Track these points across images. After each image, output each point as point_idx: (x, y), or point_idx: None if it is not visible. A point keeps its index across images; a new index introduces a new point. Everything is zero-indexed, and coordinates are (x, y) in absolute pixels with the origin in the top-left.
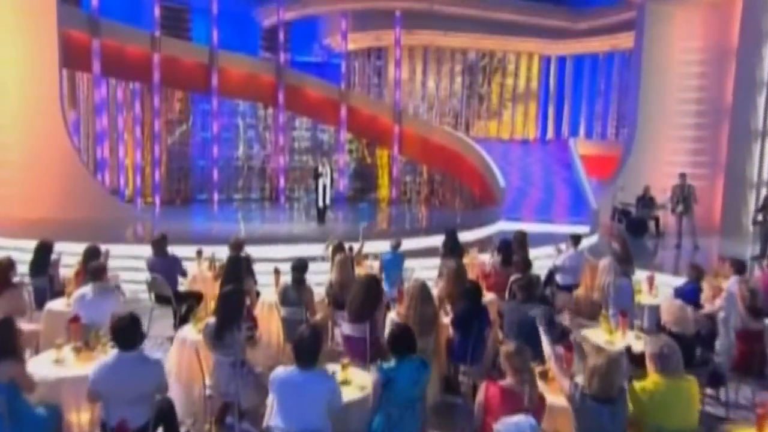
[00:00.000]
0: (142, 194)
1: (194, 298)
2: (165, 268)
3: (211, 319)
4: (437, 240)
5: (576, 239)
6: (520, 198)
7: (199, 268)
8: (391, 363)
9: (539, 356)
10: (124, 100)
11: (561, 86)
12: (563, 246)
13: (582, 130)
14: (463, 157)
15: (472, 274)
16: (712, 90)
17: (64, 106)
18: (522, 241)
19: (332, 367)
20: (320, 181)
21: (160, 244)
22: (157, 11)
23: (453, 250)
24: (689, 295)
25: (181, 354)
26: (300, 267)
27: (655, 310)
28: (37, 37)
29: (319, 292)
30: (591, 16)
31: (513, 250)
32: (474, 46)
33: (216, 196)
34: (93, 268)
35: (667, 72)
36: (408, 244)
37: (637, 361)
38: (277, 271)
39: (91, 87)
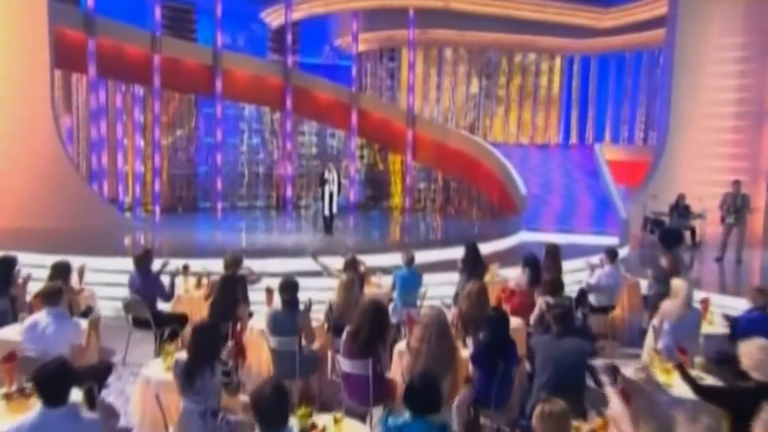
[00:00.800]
0: (142, 203)
1: (178, 322)
2: (146, 287)
3: (183, 355)
4: (453, 253)
5: (612, 254)
6: (540, 206)
7: (185, 285)
8: (404, 417)
9: (582, 411)
10: (123, 104)
11: (585, 88)
12: (595, 261)
13: (608, 135)
14: (480, 162)
15: (492, 294)
16: (753, 90)
17: (56, 110)
18: (555, 256)
19: (323, 420)
20: (326, 189)
21: (142, 260)
22: (158, 11)
23: (474, 267)
24: (758, 326)
25: (144, 397)
26: (289, 287)
27: (715, 341)
28: (27, 35)
29: (318, 317)
30: (618, 13)
31: (543, 266)
32: (492, 45)
33: (219, 205)
34: (47, 290)
35: (702, 71)
36: (422, 257)
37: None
38: (269, 291)
39: (90, 90)
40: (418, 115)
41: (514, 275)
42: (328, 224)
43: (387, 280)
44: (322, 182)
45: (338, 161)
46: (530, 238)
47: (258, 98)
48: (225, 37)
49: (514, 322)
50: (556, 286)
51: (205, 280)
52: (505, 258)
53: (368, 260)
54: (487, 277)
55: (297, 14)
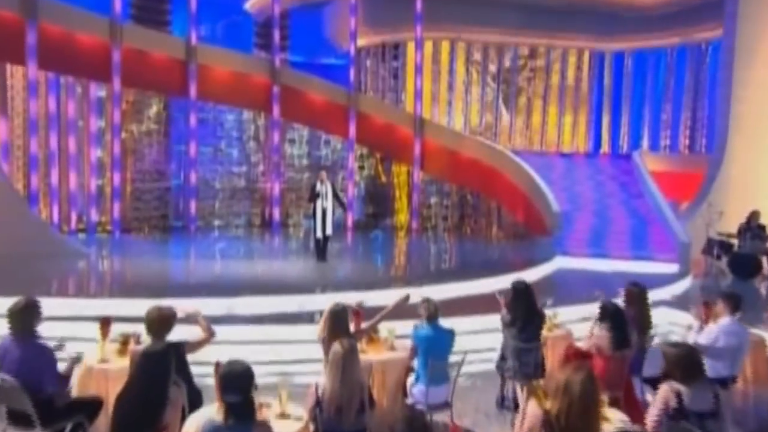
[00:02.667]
0: (99, 222)
1: (84, 411)
2: (28, 362)
3: None
4: (475, 287)
5: (734, 301)
6: (567, 225)
7: (101, 352)
8: None
9: None
10: (78, 105)
11: (618, 89)
12: (695, 312)
13: (645, 142)
14: (501, 174)
15: (553, 357)
16: None
17: None
18: (641, 302)
19: None
20: (318, 204)
21: (22, 319)
22: None
23: (528, 318)
24: None
25: None
26: (241, 385)
27: None
28: None
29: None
30: (657, 2)
31: (626, 317)
32: (512, 40)
33: (194, 224)
34: None
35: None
36: (436, 292)
37: None
38: (218, 368)
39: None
40: (426, 119)
41: (593, 332)
42: (321, 248)
43: (401, 343)
44: (313, 196)
45: (334, 173)
46: (566, 264)
47: (240, 100)
48: (203, 30)
49: (612, 415)
50: (687, 366)
51: (132, 345)
52: (540, 292)
53: (369, 298)
54: (544, 330)
55: (286, 2)
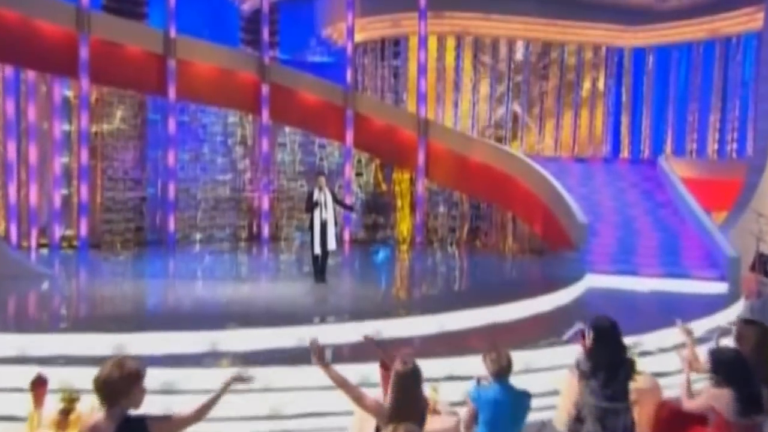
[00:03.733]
0: (64, 237)
1: None
2: None
3: None
4: (500, 314)
5: None
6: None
7: (34, 420)
8: None
9: None
10: (40, 106)
11: (638, 88)
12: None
13: (668, 146)
14: (516, 181)
15: (640, 418)
16: None
17: None
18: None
19: None
20: (317, 215)
21: None
22: None
23: (613, 369)
24: None
25: None
26: None
27: None
28: None
29: None
30: None
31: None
32: (523, 34)
33: (172, 239)
34: None
35: None
36: (448, 321)
37: None
38: None
39: None
40: (431, 121)
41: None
42: (320, 267)
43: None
44: (311, 205)
45: (330, 181)
46: (595, 284)
47: (225, 100)
48: (183, 23)
49: None
50: None
51: (77, 410)
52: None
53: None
54: (638, 383)
55: None
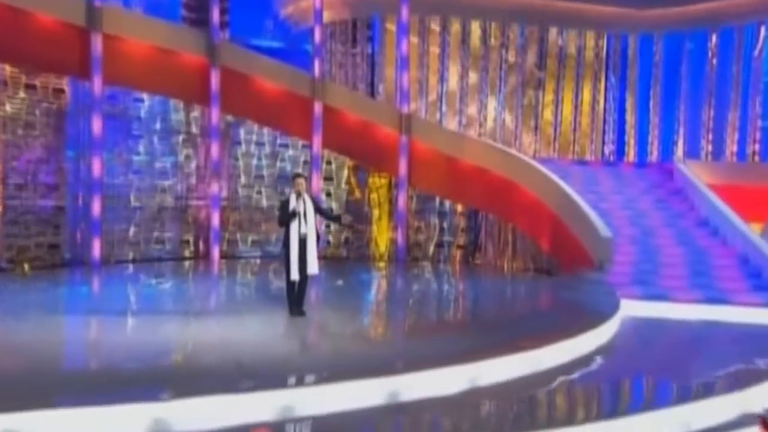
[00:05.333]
0: None
1: None
2: None
3: None
4: (541, 359)
5: None
6: None
7: None
8: None
9: None
10: None
11: (646, 80)
12: None
13: (680, 148)
14: (518, 187)
15: None
16: None
17: None
18: None
19: None
20: (294, 229)
21: None
22: None
23: None
24: None
25: None
26: None
27: None
28: None
29: None
30: None
31: None
32: (517, 15)
33: (96, 257)
34: None
35: None
36: (481, 375)
37: None
38: None
39: None
40: (414, 116)
41: None
42: (298, 296)
43: None
44: (287, 217)
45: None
46: (631, 311)
47: (165, 86)
48: None
49: None
50: None
51: None
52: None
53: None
54: None
55: None
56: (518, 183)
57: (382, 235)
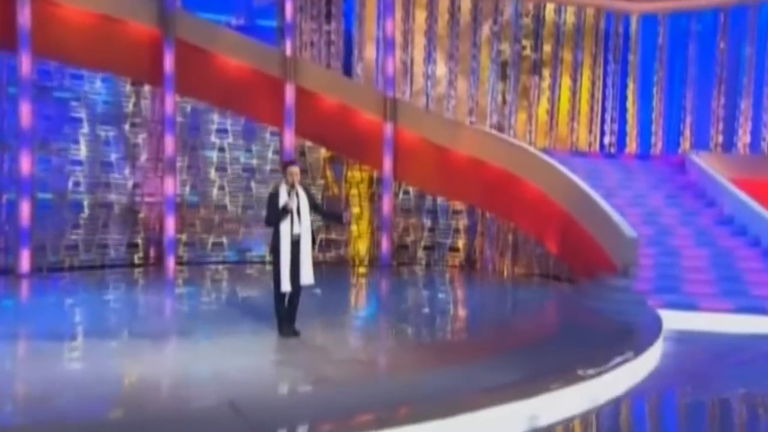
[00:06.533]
0: None
1: None
2: None
3: None
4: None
5: None
6: None
7: None
8: None
9: None
10: None
11: (649, 64)
12: None
13: (687, 139)
14: (522, 182)
15: None
16: None
17: None
18: None
19: None
20: (285, 230)
21: None
22: None
23: None
24: None
25: None
26: None
27: None
28: None
29: None
30: None
31: None
32: None
33: (26, 265)
34: None
35: None
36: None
37: None
38: None
39: None
40: (400, 100)
41: None
42: (289, 311)
43: None
44: (277, 214)
45: (264, 182)
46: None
47: (108, 61)
48: None
49: None
50: None
51: None
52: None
53: None
54: None
55: None
56: (521, 177)
57: (363, 237)
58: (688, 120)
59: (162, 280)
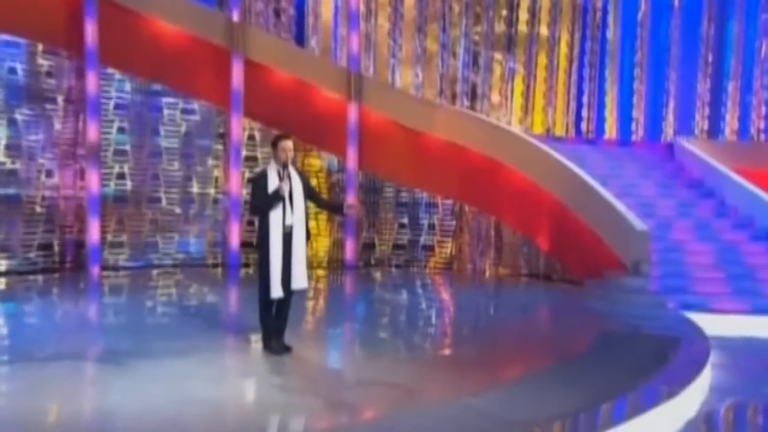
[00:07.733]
0: None
1: None
2: None
3: None
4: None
5: None
6: None
7: None
8: None
9: None
10: None
11: (629, 42)
12: None
13: (670, 125)
14: (508, 170)
15: None
16: None
17: None
18: None
19: None
20: (275, 220)
21: None
22: None
23: None
24: None
25: None
26: None
27: None
28: None
29: None
30: None
31: None
32: None
33: None
34: None
35: None
36: None
37: None
38: None
39: None
40: (366, 77)
41: None
42: (278, 321)
43: None
44: (266, 198)
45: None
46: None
47: (20, 25)
48: None
49: None
50: None
51: None
52: None
53: None
54: None
55: None
56: (506, 164)
57: (321, 235)
58: (672, 104)
59: (85, 289)
